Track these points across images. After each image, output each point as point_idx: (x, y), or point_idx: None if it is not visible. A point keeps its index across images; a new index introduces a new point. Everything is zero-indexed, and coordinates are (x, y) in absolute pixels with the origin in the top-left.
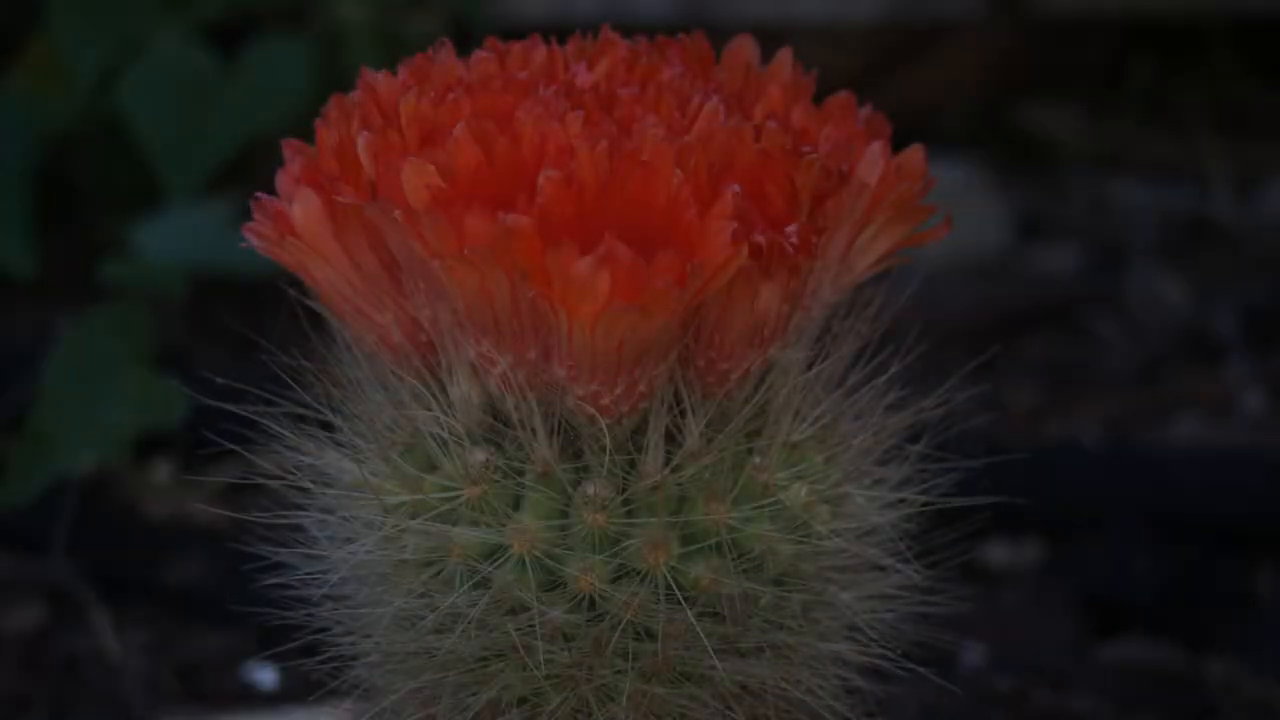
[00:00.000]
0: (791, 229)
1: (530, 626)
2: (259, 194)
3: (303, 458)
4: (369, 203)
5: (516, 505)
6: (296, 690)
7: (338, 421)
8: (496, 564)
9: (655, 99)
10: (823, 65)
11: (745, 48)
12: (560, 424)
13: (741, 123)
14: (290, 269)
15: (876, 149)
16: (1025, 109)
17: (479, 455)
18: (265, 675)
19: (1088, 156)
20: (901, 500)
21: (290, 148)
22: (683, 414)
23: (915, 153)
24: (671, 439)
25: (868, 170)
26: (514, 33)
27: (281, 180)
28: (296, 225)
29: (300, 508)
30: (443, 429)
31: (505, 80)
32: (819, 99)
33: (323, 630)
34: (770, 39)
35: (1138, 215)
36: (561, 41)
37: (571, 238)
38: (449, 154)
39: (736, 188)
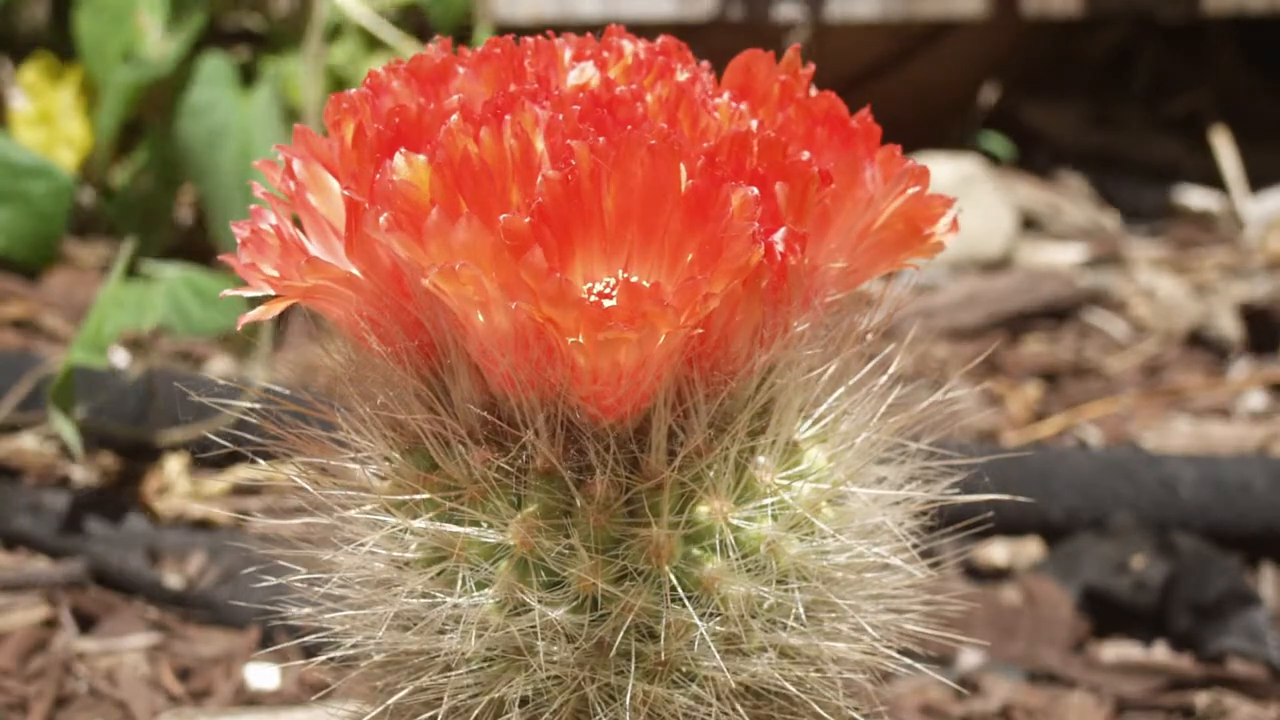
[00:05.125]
0: (781, 232)
1: (532, 627)
2: (248, 225)
3: (305, 458)
4: (365, 212)
5: (519, 504)
6: (296, 690)
7: (340, 421)
8: (498, 563)
9: (664, 100)
10: (824, 63)
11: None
12: (563, 422)
13: (748, 124)
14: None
15: (887, 154)
16: (1027, 106)
17: (481, 454)
18: (265, 675)
19: (1089, 154)
20: (905, 499)
21: (286, 150)
22: (686, 413)
23: (924, 166)
24: (674, 438)
25: (874, 178)
26: (516, 31)
27: (279, 180)
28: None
29: (302, 508)
30: (444, 429)
31: (506, 78)
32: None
33: (324, 630)
34: (772, 35)
35: (1138, 214)
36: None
37: (571, 239)
38: (444, 152)
39: (754, 190)
